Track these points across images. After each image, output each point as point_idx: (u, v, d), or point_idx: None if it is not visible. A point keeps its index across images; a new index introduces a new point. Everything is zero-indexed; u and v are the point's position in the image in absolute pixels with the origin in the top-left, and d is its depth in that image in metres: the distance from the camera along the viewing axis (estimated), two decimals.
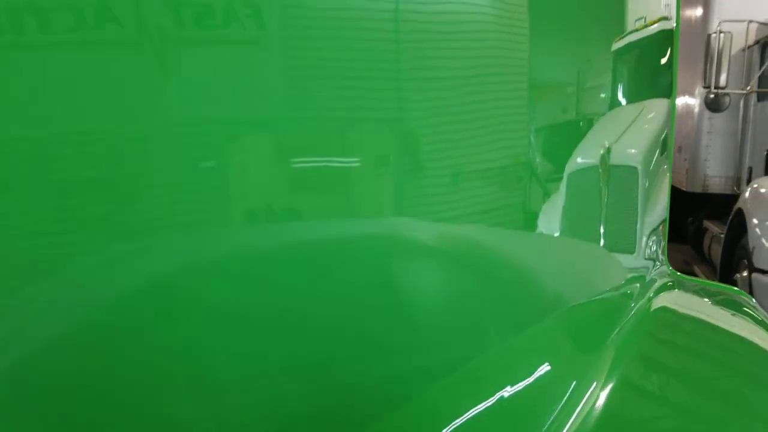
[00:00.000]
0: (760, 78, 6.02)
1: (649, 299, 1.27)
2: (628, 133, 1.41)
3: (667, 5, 1.60)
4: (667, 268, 1.59)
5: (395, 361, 0.75)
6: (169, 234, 0.60)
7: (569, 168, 1.10)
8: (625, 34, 1.34)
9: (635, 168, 1.43)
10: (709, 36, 5.94)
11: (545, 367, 0.91)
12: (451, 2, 0.80)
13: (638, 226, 1.44)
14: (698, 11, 7.02)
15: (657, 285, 1.38)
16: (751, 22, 6.02)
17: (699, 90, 6.64)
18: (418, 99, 0.76)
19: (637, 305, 1.22)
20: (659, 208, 1.58)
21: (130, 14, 0.54)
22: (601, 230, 1.27)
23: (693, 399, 0.95)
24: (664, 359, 1.07)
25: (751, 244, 4.73)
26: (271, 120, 0.65)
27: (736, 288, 1.64)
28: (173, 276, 0.61)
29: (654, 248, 1.53)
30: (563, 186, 1.07)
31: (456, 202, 0.83)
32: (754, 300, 1.47)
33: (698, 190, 6.93)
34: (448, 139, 0.80)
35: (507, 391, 0.82)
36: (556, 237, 1.09)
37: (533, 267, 1.05)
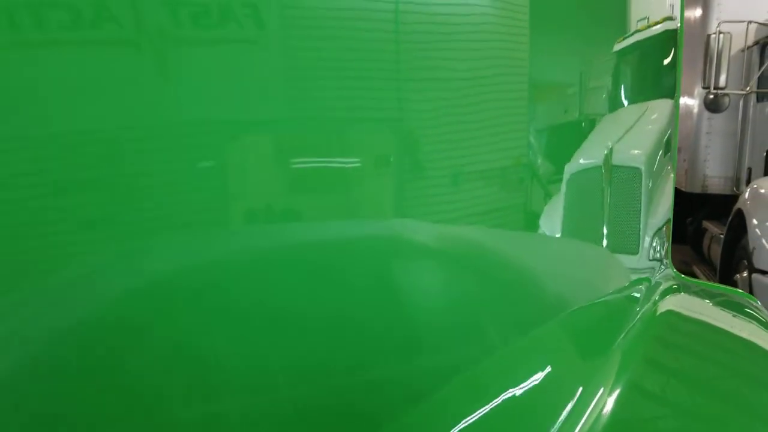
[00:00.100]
0: (759, 78, 6.03)
1: (655, 303, 1.26)
2: (632, 134, 1.40)
3: (672, 5, 1.59)
4: (672, 271, 1.59)
5: (395, 363, 0.74)
6: (167, 234, 0.59)
7: (572, 169, 1.09)
8: (628, 34, 1.34)
9: (638, 169, 1.42)
10: (708, 36, 5.95)
11: (551, 372, 0.90)
12: (452, 2, 0.79)
13: (642, 227, 1.43)
14: (697, 12, 7.02)
15: (662, 288, 1.37)
16: (750, 22, 6.02)
17: (698, 90, 6.66)
18: (418, 99, 0.76)
19: (643, 309, 1.21)
20: (663, 209, 1.57)
21: (129, 14, 0.54)
22: (605, 232, 1.26)
23: (702, 404, 0.94)
24: (672, 364, 1.06)
25: (751, 245, 4.73)
26: (271, 120, 0.65)
27: (740, 290, 1.64)
28: (171, 277, 0.60)
29: (658, 249, 1.53)
30: (565, 187, 1.06)
31: (458, 203, 0.83)
32: (758, 302, 1.46)
33: (697, 190, 6.94)
34: (449, 140, 0.79)
35: (511, 396, 0.81)
36: (560, 239, 1.08)
37: (537, 269, 1.05)
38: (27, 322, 0.54)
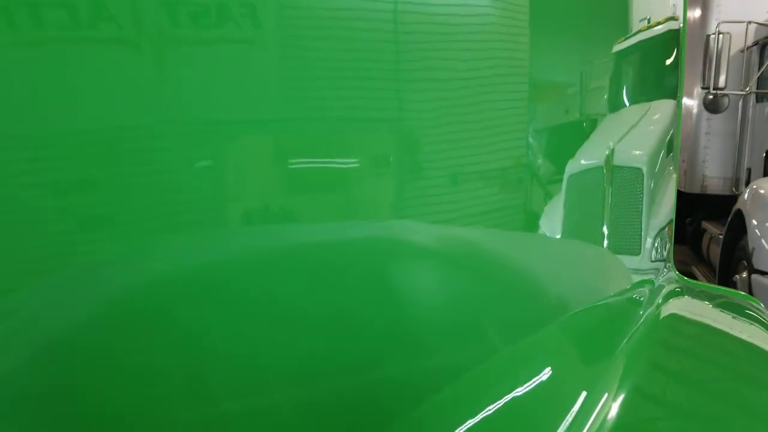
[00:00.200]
0: (758, 79, 6.02)
1: (658, 306, 1.26)
2: (633, 135, 1.40)
3: (674, 5, 1.58)
4: (675, 273, 1.58)
5: (393, 365, 0.74)
6: (165, 235, 0.59)
7: (573, 169, 1.09)
8: (629, 34, 1.33)
9: (640, 169, 1.41)
10: (707, 37, 5.94)
11: (554, 376, 0.89)
12: (452, 2, 0.79)
13: (643, 228, 1.43)
14: (696, 12, 7.03)
15: (665, 291, 1.37)
16: (749, 23, 6.02)
17: (697, 91, 6.66)
18: (418, 99, 0.76)
19: (647, 312, 1.20)
20: (665, 210, 1.56)
21: (129, 14, 0.54)
22: (606, 233, 1.26)
23: (707, 408, 0.93)
24: (677, 368, 1.06)
25: (750, 246, 4.73)
26: (270, 120, 0.65)
27: (742, 293, 1.63)
28: (171, 277, 0.60)
29: (660, 251, 1.52)
30: (566, 187, 1.05)
31: (458, 203, 0.83)
32: (761, 305, 1.45)
33: (696, 190, 6.94)
34: (449, 140, 0.79)
35: (512, 400, 0.81)
36: (561, 240, 1.08)
37: (538, 270, 1.04)
38: (25, 322, 0.54)
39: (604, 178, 1.23)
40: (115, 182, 0.55)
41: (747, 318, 1.34)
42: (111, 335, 0.57)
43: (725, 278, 5.51)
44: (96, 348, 0.56)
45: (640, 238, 1.43)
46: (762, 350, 1.15)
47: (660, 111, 1.57)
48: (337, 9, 0.68)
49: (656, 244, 1.49)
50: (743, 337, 1.23)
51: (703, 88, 6.08)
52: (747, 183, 6.03)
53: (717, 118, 6.62)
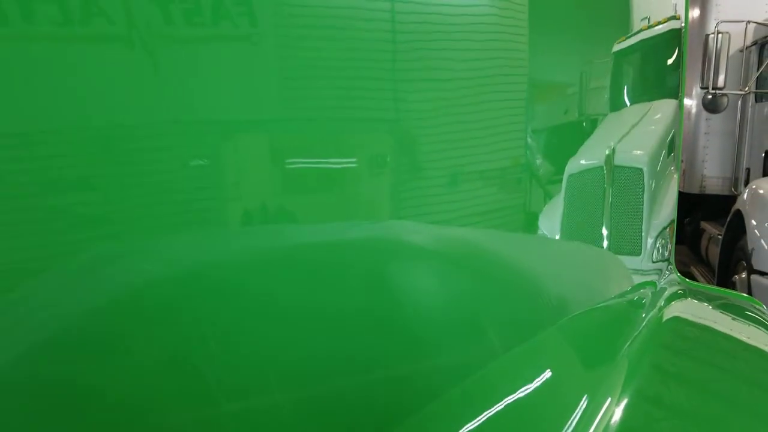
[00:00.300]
0: (758, 79, 6.02)
1: (661, 309, 1.25)
2: (634, 134, 1.39)
3: (675, 4, 1.58)
4: (676, 275, 1.57)
5: (391, 366, 0.74)
6: (164, 235, 0.59)
7: (573, 169, 1.09)
8: (630, 34, 1.32)
9: (641, 169, 1.41)
10: (706, 36, 5.94)
11: (556, 380, 0.89)
12: (452, 2, 0.79)
13: (644, 228, 1.42)
14: (695, 12, 7.02)
15: (668, 293, 1.36)
16: (749, 22, 6.01)
17: (696, 91, 6.66)
18: (418, 100, 0.76)
19: (649, 315, 1.19)
20: (666, 210, 1.56)
21: (127, 13, 0.54)
22: (607, 233, 1.25)
23: (713, 413, 0.92)
24: (680, 372, 1.05)
25: (750, 246, 4.72)
26: (270, 120, 0.65)
27: (745, 295, 1.62)
28: (169, 277, 0.60)
29: (662, 251, 1.52)
30: (566, 187, 1.05)
31: (457, 203, 0.82)
32: (765, 307, 1.44)
33: (695, 191, 6.94)
34: (449, 140, 0.79)
35: (513, 404, 0.80)
36: (561, 240, 1.07)
37: (539, 271, 1.04)
38: (19, 323, 0.54)
39: (604, 178, 1.23)
40: (114, 182, 0.55)
41: (750, 320, 1.34)
42: (110, 335, 0.57)
43: (724, 279, 5.51)
44: (96, 348, 0.56)
45: (641, 239, 1.43)
46: (767, 353, 1.14)
47: (661, 111, 1.56)
48: (337, 8, 0.68)
49: (658, 245, 1.49)
50: (747, 340, 1.22)
51: (702, 87, 6.07)
52: (746, 183, 6.03)
53: (716, 118, 6.62)
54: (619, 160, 1.30)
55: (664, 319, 1.21)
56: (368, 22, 0.70)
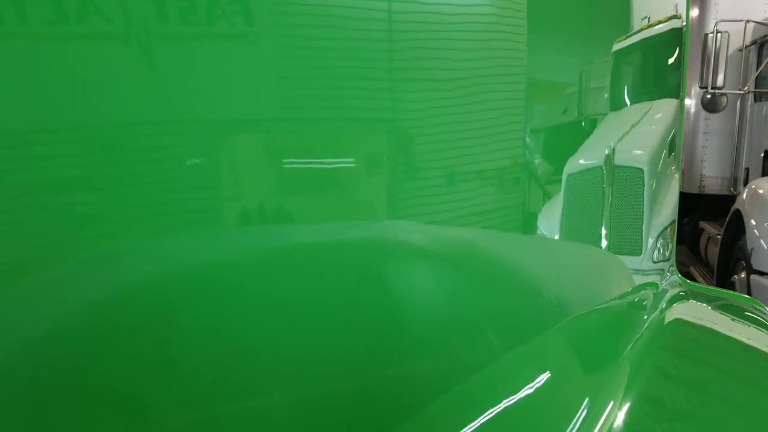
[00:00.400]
0: (757, 78, 6.02)
1: (662, 311, 1.24)
2: (634, 134, 1.39)
3: (676, 4, 1.57)
4: (678, 277, 1.57)
5: (390, 367, 0.73)
6: (162, 235, 0.59)
7: (572, 169, 1.09)
8: (631, 33, 1.32)
9: (641, 169, 1.40)
10: (705, 36, 5.94)
11: (557, 383, 0.88)
12: (451, 2, 0.79)
13: (645, 228, 1.42)
14: (694, 11, 7.02)
15: (669, 295, 1.36)
16: (748, 21, 6.01)
17: (695, 90, 6.65)
18: (416, 99, 0.76)
19: (651, 317, 1.18)
20: (667, 210, 1.55)
21: (127, 12, 0.54)
22: (607, 233, 1.25)
23: (717, 416, 0.92)
24: (683, 375, 1.04)
25: (749, 246, 4.72)
26: (266, 120, 0.65)
27: (747, 296, 1.62)
28: (168, 277, 0.60)
29: (663, 252, 1.51)
30: (565, 187, 1.04)
31: (456, 203, 0.82)
32: (766, 308, 1.44)
33: (694, 190, 6.94)
34: (448, 140, 0.79)
35: (515, 407, 0.79)
36: (561, 241, 1.07)
37: (539, 272, 1.03)
38: (17, 321, 0.53)
39: (604, 178, 1.23)
40: (112, 181, 0.55)
41: (752, 322, 1.33)
42: (110, 334, 0.57)
43: (723, 279, 5.51)
44: (95, 347, 0.56)
45: (641, 239, 1.42)
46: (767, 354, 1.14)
47: (662, 110, 1.56)
48: (335, 8, 0.68)
49: (658, 245, 1.48)
50: (750, 341, 1.21)
51: (701, 87, 6.07)
52: (745, 183, 6.03)
53: (715, 118, 6.62)
54: (619, 160, 1.29)
55: (666, 321, 1.21)
56: (366, 21, 0.70)
